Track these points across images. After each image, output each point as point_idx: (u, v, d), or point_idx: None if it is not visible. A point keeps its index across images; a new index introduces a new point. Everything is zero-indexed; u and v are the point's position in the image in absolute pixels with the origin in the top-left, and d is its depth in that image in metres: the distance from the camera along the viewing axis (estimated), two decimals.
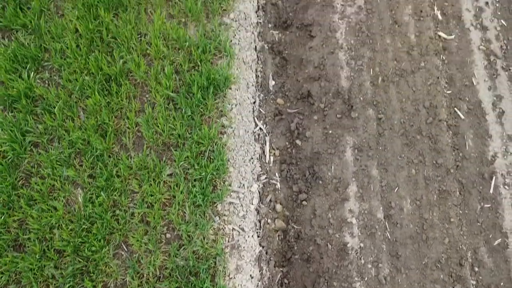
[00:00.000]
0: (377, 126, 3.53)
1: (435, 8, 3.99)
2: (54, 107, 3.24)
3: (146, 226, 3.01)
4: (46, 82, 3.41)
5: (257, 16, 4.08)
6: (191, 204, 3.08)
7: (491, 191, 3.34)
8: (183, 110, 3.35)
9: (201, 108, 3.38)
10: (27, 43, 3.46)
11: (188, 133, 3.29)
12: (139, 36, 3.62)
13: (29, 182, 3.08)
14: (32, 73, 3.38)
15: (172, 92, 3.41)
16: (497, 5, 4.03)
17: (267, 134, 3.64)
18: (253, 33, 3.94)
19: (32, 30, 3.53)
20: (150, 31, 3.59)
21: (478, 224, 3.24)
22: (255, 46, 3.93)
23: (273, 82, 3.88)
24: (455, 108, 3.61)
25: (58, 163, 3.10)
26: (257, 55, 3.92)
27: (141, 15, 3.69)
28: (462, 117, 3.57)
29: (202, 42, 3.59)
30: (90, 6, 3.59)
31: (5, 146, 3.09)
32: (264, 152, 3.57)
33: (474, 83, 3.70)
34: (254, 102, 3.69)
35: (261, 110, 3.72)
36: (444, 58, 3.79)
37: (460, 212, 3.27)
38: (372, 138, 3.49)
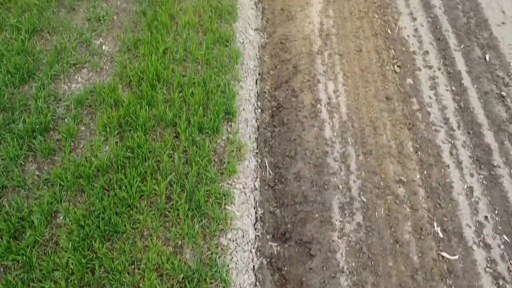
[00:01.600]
0: None
1: (435, 224, 3.96)
2: None
3: None
4: None
5: (255, 230, 4.03)
6: None
7: None
8: None
9: None
10: (15, 281, 3.32)
11: None
12: (133, 266, 3.50)
13: None
14: None
15: None
16: (497, 218, 4.01)
17: None
18: (250, 251, 3.84)
19: (23, 263, 3.42)
20: (145, 259, 3.49)
21: None
22: (253, 266, 3.79)
23: None
24: None
25: None
26: (255, 275, 3.76)
27: (136, 240, 3.63)
28: None
29: (198, 271, 3.46)
30: (85, 237, 3.54)
31: None
32: None
33: None
34: None
35: None
36: (450, 283, 3.63)
37: None
38: None
